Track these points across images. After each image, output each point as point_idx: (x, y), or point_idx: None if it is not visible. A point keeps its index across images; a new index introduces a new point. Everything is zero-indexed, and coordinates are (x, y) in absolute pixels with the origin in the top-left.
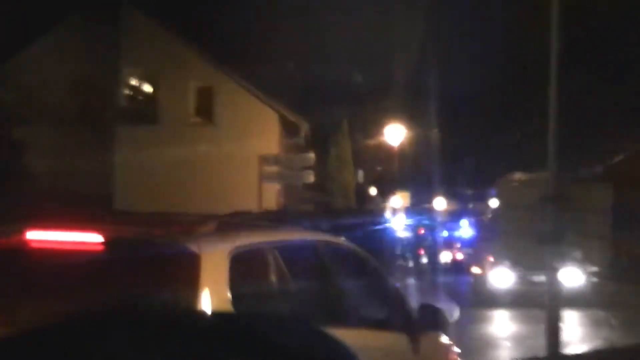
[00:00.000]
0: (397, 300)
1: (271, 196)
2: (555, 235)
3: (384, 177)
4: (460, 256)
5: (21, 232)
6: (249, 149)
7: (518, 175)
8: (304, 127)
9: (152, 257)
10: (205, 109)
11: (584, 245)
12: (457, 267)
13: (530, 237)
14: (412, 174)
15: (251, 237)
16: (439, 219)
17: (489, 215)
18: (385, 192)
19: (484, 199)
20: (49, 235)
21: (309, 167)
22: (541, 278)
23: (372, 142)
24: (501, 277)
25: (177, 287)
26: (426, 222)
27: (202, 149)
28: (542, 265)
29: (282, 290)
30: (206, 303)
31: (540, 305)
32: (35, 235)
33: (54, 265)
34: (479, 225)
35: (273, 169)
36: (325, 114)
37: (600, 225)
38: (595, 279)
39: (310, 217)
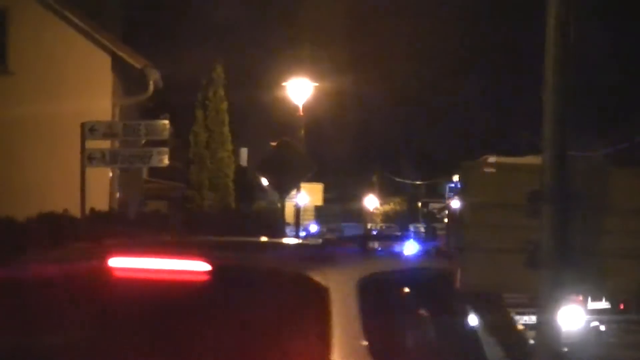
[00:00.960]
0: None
1: (101, 188)
2: (553, 254)
3: (283, 159)
4: None
5: (103, 257)
6: (66, 112)
7: (494, 159)
8: (155, 79)
9: (270, 290)
10: None
11: (602, 269)
12: None
13: (515, 256)
14: (328, 154)
15: (378, 264)
16: (370, 226)
17: (445, 220)
18: (284, 183)
19: (439, 194)
20: (138, 262)
21: (162, 142)
22: (528, 319)
23: (263, 102)
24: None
25: (299, 326)
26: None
27: None
28: (529, 299)
29: (414, 326)
30: (338, 343)
31: None
32: (120, 262)
33: (143, 298)
34: (429, 239)
35: (103, 144)
36: (189, 57)
37: (630, 237)
38: (617, 323)
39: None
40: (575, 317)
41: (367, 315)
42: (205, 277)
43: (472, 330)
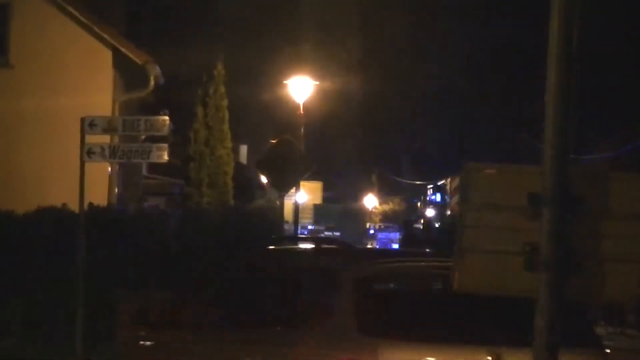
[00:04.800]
0: None
1: (99, 184)
2: (553, 257)
3: (282, 156)
4: None
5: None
6: (66, 106)
7: (493, 166)
8: (155, 74)
9: None
10: None
11: (602, 273)
12: None
13: (514, 259)
14: (328, 153)
15: None
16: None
17: (421, 225)
18: (283, 181)
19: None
20: None
21: (162, 138)
22: None
23: (263, 100)
24: None
25: None
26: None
27: None
28: None
29: None
30: None
31: None
32: None
33: None
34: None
35: (103, 138)
36: (189, 52)
37: (628, 241)
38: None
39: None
40: None
41: None
42: None
43: None
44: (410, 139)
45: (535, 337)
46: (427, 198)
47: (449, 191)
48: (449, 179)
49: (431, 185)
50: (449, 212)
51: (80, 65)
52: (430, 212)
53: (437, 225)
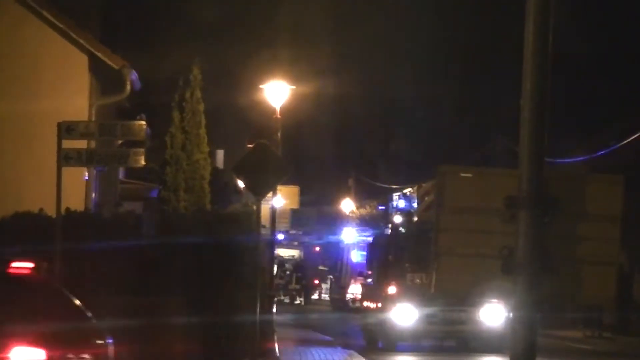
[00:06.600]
0: None
1: (77, 189)
2: (529, 259)
3: (259, 161)
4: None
5: None
6: (42, 111)
7: (468, 169)
8: (132, 79)
9: None
10: None
11: (578, 275)
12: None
13: (491, 262)
14: (304, 157)
15: None
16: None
17: (390, 230)
18: (259, 186)
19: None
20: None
21: (138, 143)
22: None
23: (240, 104)
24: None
25: None
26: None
27: None
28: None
29: None
30: None
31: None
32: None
33: None
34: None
35: (79, 143)
36: (166, 57)
37: (604, 243)
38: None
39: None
40: (496, 314)
41: None
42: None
43: None
44: (386, 143)
45: (511, 337)
46: (395, 205)
47: (415, 197)
48: (415, 187)
49: (398, 192)
50: (415, 219)
51: (56, 70)
52: (397, 219)
53: (402, 230)
